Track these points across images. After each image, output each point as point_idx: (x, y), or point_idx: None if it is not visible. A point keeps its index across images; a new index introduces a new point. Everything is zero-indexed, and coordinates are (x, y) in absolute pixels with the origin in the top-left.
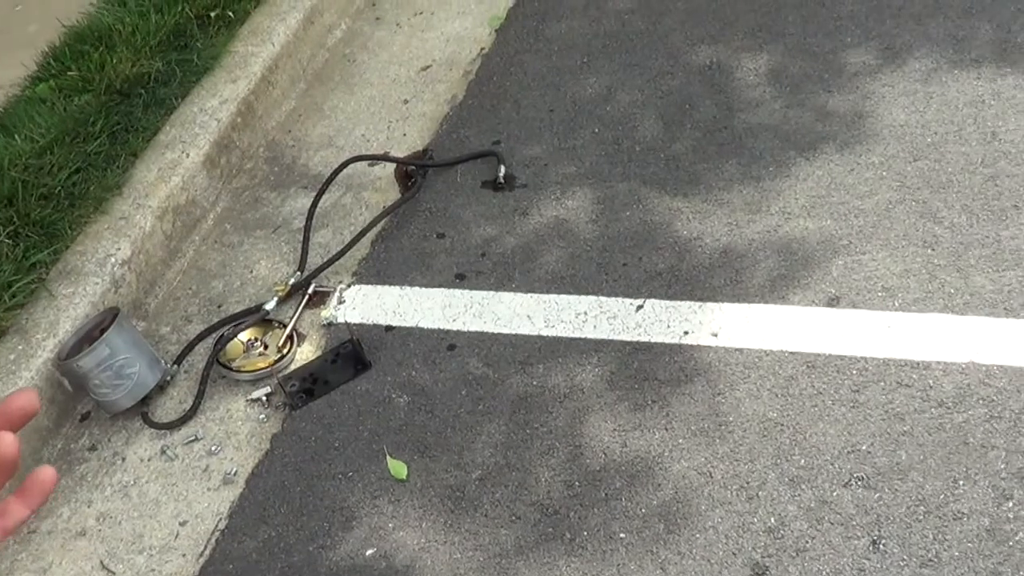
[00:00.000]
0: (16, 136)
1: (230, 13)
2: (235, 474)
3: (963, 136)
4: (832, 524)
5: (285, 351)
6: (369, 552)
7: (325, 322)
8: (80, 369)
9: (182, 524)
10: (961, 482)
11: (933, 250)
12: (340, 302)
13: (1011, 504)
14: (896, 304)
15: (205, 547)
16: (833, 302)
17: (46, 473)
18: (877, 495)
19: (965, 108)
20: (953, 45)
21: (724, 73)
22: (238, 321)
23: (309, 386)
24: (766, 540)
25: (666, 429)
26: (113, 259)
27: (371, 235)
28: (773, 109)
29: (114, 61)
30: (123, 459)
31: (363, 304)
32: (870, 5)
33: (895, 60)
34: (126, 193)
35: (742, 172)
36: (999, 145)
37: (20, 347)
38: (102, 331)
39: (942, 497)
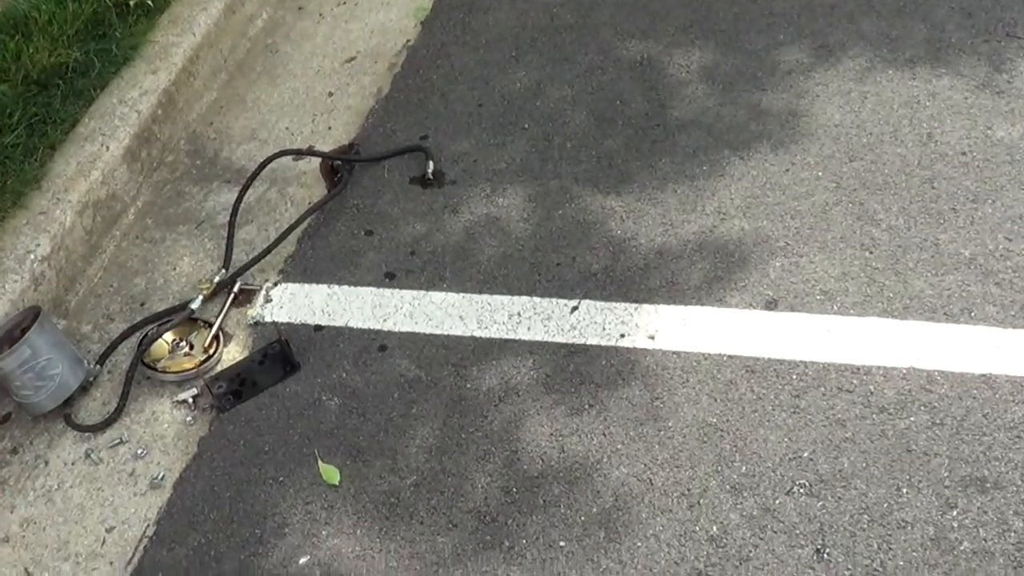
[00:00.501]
0: None
1: (149, 2)
2: (162, 479)
3: (899, 137)
4: (776, 532)
5: (211, 351)
6: (303, 560)
7: (252, 321)
8: (1, 371)
9: (109, 530)
10: (905, 490)
11: (871, 253)
12: (267, 301)
13: (955, 513)
14: (835, 308)
15: (133, 554)
16: (771, 305)
17: None
18: (820, 503)
19: (900, 109)
20: (887, 44)
21: (656, 69)
22: (162, 320)
23: (237, 387)
24: (709, 549)
25: (604, 434)
26: (32, 255)
27: (297, 232)
28: (706, 106)
29: (31, 51)
30: (46, 463)
31: (291, 303)
32: (802, 3)
33: (829, 59)
34: (45, 187)
35: (676, 170)
36: (935, 147)
37: None
38: (23, 331)
39: (886, 505)
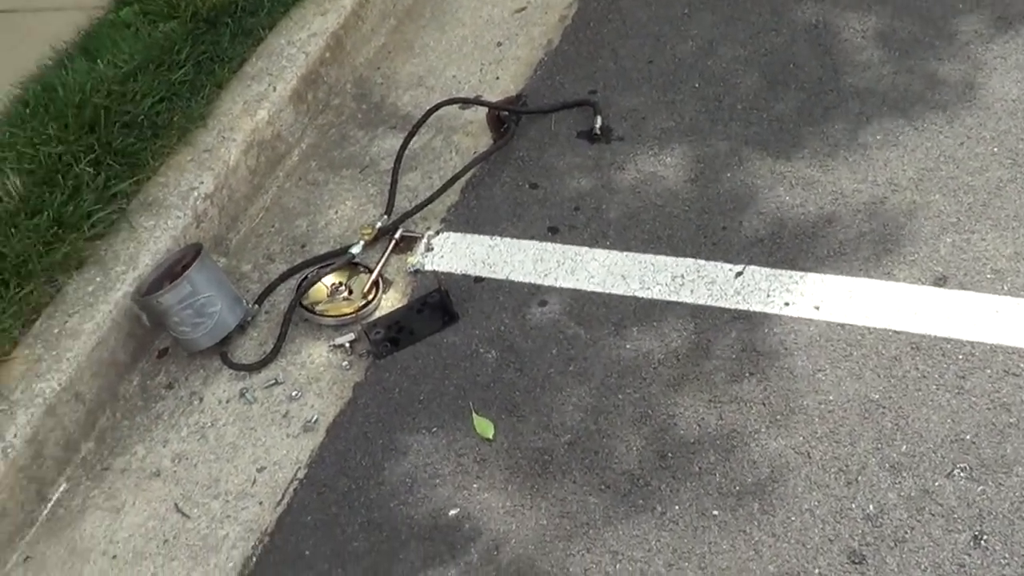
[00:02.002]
0: (99, 61)
1: None
2: (316, 422)
3: None
4: (933, 515)
5: (370, 297)
6: (452, 512)
7: (412, 269)
8: (160, 306)
9: (260, 470)
10: None
11: None
12: (428, 249)
13: None
14: (1006, 288)
15: (283, 496)
16: (940, 281)
17: None
18: (980, 488)
19: None
20: None
21: (830, 33)
22: (323, 263)
23: (394, 335)
24: (864, 528)
25: (764, 404)
26: (196, 192)
27: (461, 181)
28: (881, 74)
29: None
30: (201, 399)
31: (452, 252)
32: None
33: (1008, 31)
34: (211, 125)
35: (848, 138)
36: None
37: (98, 279)
38: (184, 267)
39: None
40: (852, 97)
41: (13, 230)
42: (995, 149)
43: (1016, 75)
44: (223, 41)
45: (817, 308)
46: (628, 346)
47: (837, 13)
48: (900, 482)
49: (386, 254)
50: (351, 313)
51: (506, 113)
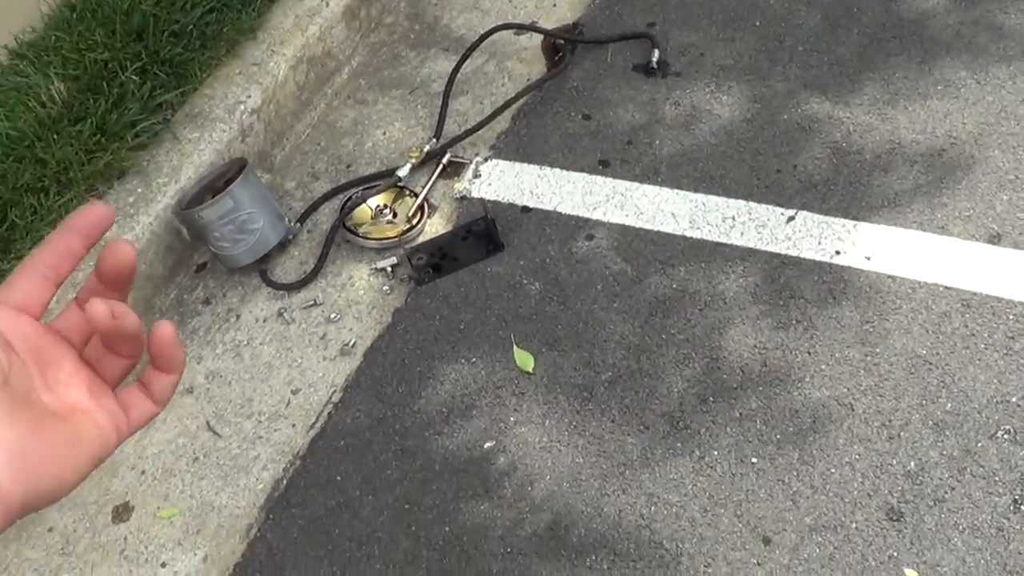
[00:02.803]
0: None
1: None
2: (353, 345)
3: None
4: (974, 476)
5: (415, 221)
6: (488, 444)
7: (458, 195)
8: (201, 220)
9: (294, 392)
10: None
11: None
12: (475, 176)
13: None
14: None
15: (316, 419)
16: (995, 239)
17: (163, 334)
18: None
19: None
20: None
21: None
22: (368, 185)
23: (437, 261)
24: (904, 484)
25: (809, 353)
26: (243, 106)
27: (513, 109)
28: (946, 23)
29: None
30: (238, 316)
31: (499, 180)
32: None
33: None
34: (260, 38)
35: (908, 87)
36: None
37: (140, 190)
38: (227, 182)
39: None
40: (915, 45)
41: (55, 136)
42: None
43: None
44: None
45: (868, 259)
46: (674, 285)
47: None
48: (943, 441)
49: (433, 178)
50: (394, 237)
51: (562, 41)
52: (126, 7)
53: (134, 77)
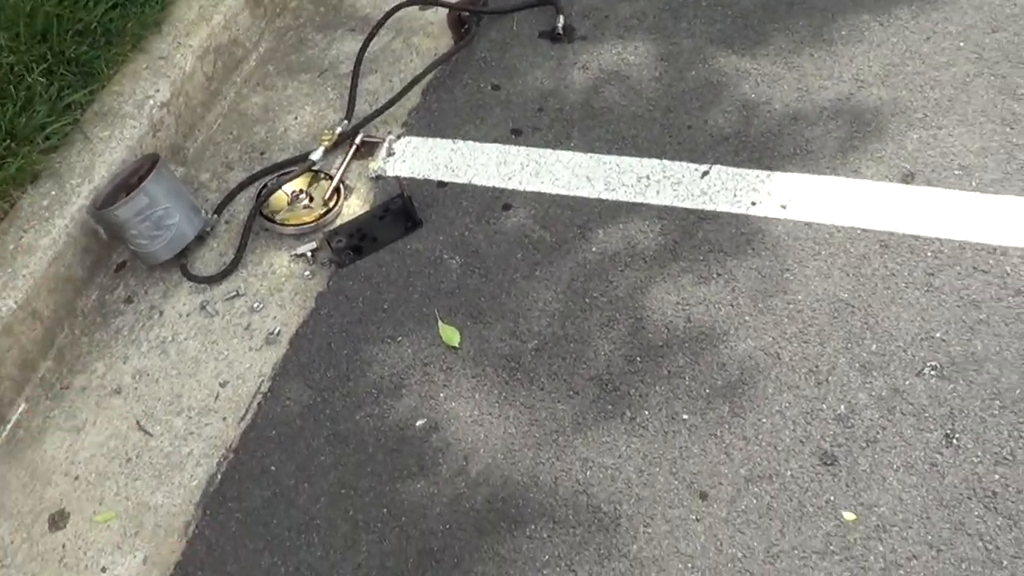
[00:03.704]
0: None
1: None
2: (278, 334)
3: None
4: (904, 415)
5: (332, 204)
6: (419, 423)
7: (373, 175)
8: (117, 219)
9: (222, 385)
10: None
11: (1012, 128)
12: (389, 154)
13: None
14: (973, 184)
15: (246, 411)
16: (908, 178)
17: None
18: (951, 386)
19: None
20: None
21: None
22: (282, 171)
23: (356, 243)
24: (835, 428)
25: (731, 305)
26: (152, 101)
27: (422, 84)
28: None
29: None
30: (161, 313)
31: (413, 157)
32: None
33: None
34: (165, 31)
35: (813, 34)
36: None
37: (54, 192)
38: (140, 179)
39: (1019, 392)
40: None
41: None
42: (961, 44)
43: None
44: None
45: (784, 207)
46: (594, 249)
47: None
48: (870, 382)
49: (347, 160)
50: (312, 221)
51: (467, 14)
52: (28, 8)
53: (41, 79)
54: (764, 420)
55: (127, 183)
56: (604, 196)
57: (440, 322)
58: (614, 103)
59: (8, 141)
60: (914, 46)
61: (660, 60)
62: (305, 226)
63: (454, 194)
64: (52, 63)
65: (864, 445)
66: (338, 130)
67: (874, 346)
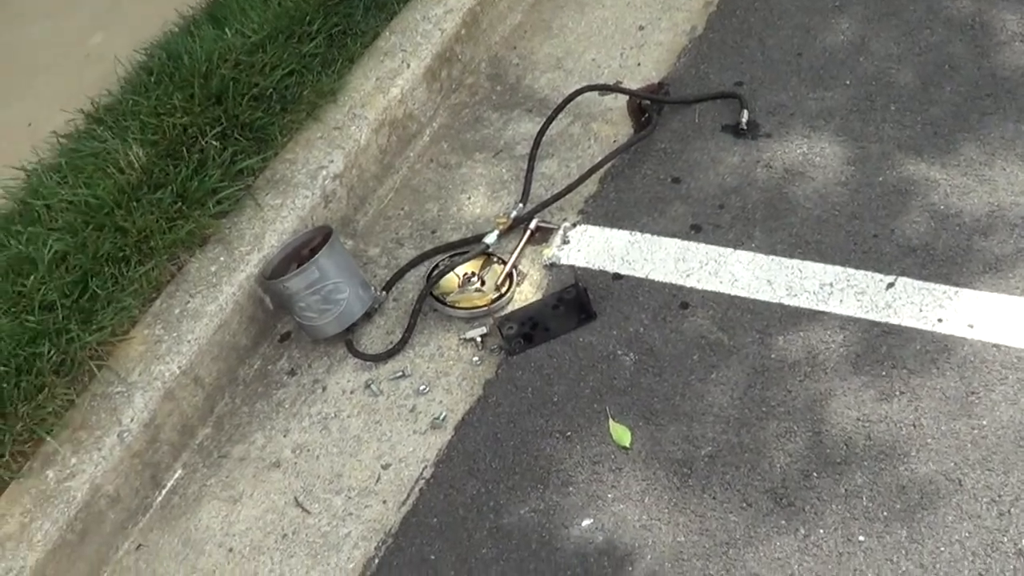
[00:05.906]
0: (227, 29)
1: None
2: (444, 419)
3: None
4: None
5: (504, 290)
6: (586, 523)
7: (547, 262)
8: (287, 290)
9: (384, 467)
10: None
11: None
12: (564, 242)
13: None
14: None
15: (408, 495)
16: None
17: None
18: None
19: None
20: None
21: (987, 33)
22: (455, 252)
23: (528, 331)
24: (1016, 563)
25: (914, 425)
26: (325, 171)
27: (600, 172)
28: None
29: None
30: (324, 388)
31: (589, 247)
32: None
33: None
34: (341, 101)
35: (1005, 147)
36: None
37: (222, 258)
38: (312, 251)
39: None
40: (1010, 103)
41: (135, 204)
42: None
43: None
44: (356, 14)
45: (971, 327)
46: (773, 356)
47: (994, 13)
48: None
49: (521, 245)
50: (483, 305)
51: (648, 102)
52: (204, 70)
53: (214, 142)
54: (943, 549)
55: (297, 254)
56: (785, 301)
57: (611, 420)
58: (798, 205)
59: (180, 203)
60: None
61: (847, 163)
62: (476, 310)
63: (630, 288)
64: (226, 127)
65: None
66: (513, 214)
67: None
